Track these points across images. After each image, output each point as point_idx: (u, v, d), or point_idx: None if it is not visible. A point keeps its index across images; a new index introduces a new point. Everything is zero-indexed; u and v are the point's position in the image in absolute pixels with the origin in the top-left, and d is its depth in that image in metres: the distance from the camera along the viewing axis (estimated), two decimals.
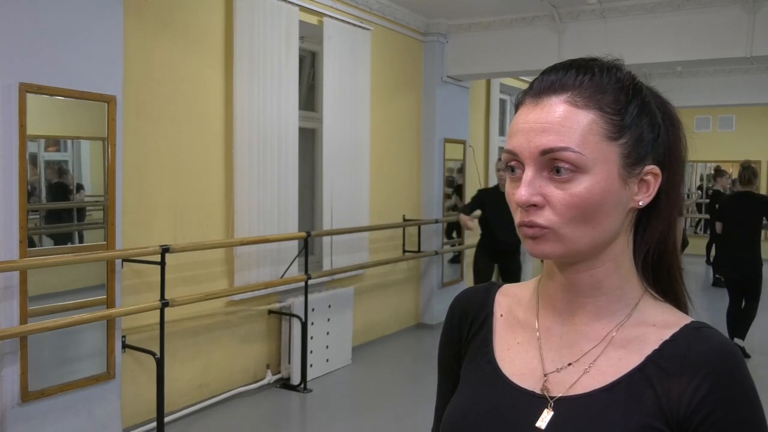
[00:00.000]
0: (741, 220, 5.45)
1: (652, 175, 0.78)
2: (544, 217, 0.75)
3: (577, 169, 0.74)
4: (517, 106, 0.81)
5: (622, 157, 0.76)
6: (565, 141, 0.74)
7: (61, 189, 3.44)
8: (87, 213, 3.58)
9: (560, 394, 0.78)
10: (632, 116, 0.77)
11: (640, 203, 0.79)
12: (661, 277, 0.84)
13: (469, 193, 6.95)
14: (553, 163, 0.74)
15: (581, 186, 0.74)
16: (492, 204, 5.54)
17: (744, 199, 5.51)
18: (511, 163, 0.78)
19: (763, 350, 5.91)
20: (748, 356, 5.55)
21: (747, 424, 0.72)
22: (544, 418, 0.77)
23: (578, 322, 0.82)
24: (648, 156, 0.78)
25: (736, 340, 5.54)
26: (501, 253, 5.69)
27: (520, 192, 0.75)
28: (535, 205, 0.75)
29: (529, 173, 0.75)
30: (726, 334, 5.54)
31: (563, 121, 0.74)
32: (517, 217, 0.78)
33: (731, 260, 5.60)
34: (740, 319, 5.62)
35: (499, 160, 5.68)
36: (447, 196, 6.68)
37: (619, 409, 0.74)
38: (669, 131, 0.81)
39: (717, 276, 8.66)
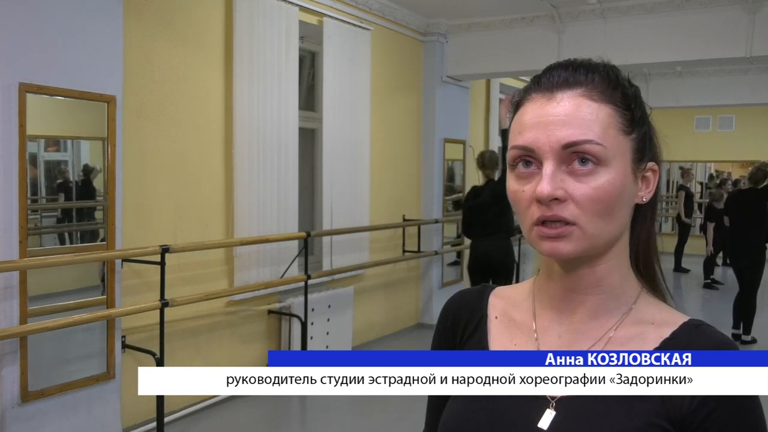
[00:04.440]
0: (746, 213, 5.68)
1: (652, 171, 0.80)
2: (569, 211, 0.73)
3: (599, 162, 0.73)
4: (519, 103, 0.79)
5: (633, 151, 0.77)
6: (587, 134, 0.73)
7: (86, 188, 3.49)
8: (87, 213, 3.59)
9: (561, 394, 0.77)
10: (640, 112, 0.78)
11: (644, 199, 0.79)
12: (646, 276, 0.84)
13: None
14: (573, 157, 0.73)
15: (603, 179, 0.73)
16: (480, 204, 4.98)
17: (748, 194, 5.78)
18: (520, 159, 0.76)
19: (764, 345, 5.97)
20: (754, 341, 5.80)
21: (750, 422, 0.73)
22: (546, 419, 0.76)
23: (576, 320, 0.81)
24: (648, 153, 0.79)
25: (744, 337, 5.74)
26: (486, 269, 4.98)
27: (542, 186, 0.72)
28: (557, 200, 0.73)
29: (549, 167, 0.73)
30: (731, 324, 5.76)
31: (583, 113, 0.74)
32: (532, 214, 0.75)
33: (739, 250, 5.80)
34: (742, 314, 5.81)
35: (485, 152, 5.27)
36: (449, 190, 6.64)
37: (622, 408, 0.74)
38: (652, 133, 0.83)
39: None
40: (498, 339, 0.87)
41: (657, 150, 0.82)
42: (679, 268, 9.76)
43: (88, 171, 3.50)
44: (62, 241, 3.44)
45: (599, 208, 0.73)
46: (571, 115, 0.74)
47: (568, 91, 0.75)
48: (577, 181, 0.73)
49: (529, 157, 0.75)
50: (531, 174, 0.75)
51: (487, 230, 4.99)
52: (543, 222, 0.74)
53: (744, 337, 5.75)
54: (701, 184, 11.83)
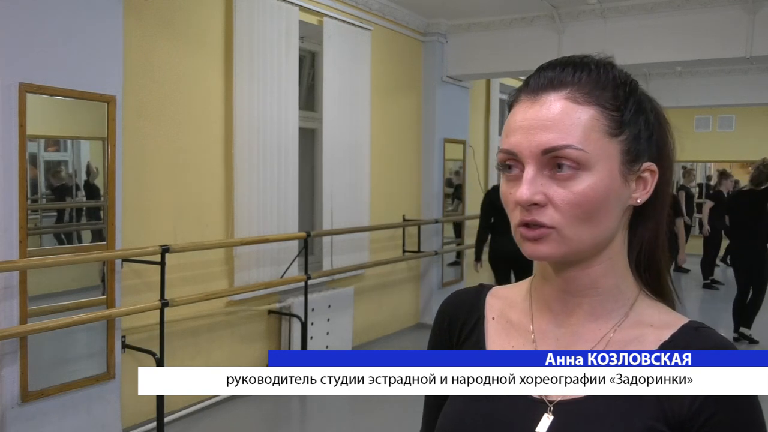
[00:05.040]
0: (746, 214, 5.71)
1: (650, 172, 0.77)
2: (548, 216, 0.73)
3: (580, 166, 0.72)
4: (511, 105, 0.79)
5: (622, 153, 0.75)
6: (566, 138, 0.72)
7: (86, 188, 3.50)
8: (87, 212, 3.59)
9: (559, 398, 0.76)
10: (631, 112, 0.76)
11: (639, 200, 0.77)
12: (650, 276, 0.83)
13: (468, 193, 6.94)
14: (554, 162, 0.72)
15: (584, 184, 0.72)
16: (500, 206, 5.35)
17: (748, 195, 5.80)
18: (508, 163, 0.76)
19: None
20: (755, 341, 5.81)
21: (749, 423, 0.72)
22: (544, 424, 0.76)
23: (574, 323, 0.80)
24: (644, 153, 0.77)
25: (742, 329, 5.80)
26: (511, 264, 5.40)
27: (521, 191, 0.73)
28: (536, 204, 0.73)
29: (530, 171, 0.73)
30: (732, 323, 5.79)
31: (564, 117, 0.73)
32: (516, 217, 0.75)
33: (740, 251, 5.84)
34: (747, 309, 5.85)
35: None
36: (447, 196, 6.67)
37: (620, 412, 0.73)
38: (659, 130, 0.80)
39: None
40: (495, 340, 0.86)
41: (664, 148, 0.80)
42: (679, 268, 9.75)
43: (88, 171, 3.50)
44: (62, 242, 3.44)
45: (579, 212, 0.72)
46: (553, 119, 0.73)
47: (552, 94, 0.74)
48: (559, 186, 0.73)
49: (514, 161, 0.75)
50: (517, 177, 0.75)
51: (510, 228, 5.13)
52: (526, 224, 0.74)
53: (743, 330, 5.80)
54: (700, 185, 11.81)
